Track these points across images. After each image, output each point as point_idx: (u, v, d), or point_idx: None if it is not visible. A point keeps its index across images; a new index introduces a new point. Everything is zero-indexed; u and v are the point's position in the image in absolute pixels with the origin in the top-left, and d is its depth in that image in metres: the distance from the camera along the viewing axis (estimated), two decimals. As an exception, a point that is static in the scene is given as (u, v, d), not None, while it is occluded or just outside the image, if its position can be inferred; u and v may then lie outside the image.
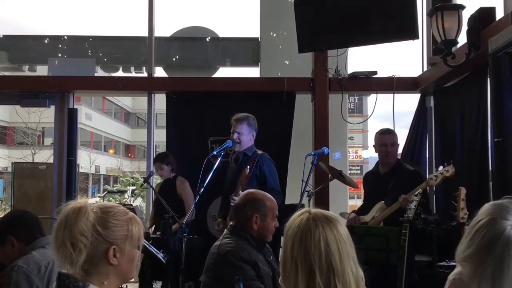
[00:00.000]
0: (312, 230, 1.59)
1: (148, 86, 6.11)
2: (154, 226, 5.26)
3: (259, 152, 4.50)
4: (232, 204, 4.09)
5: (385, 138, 4.37)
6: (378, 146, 4.41)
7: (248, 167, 4.12)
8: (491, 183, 4.18)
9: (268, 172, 4.38)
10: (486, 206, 1.82)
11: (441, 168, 3.95)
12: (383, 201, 4.10)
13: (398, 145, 4.47)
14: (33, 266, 2.57)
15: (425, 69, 5.65)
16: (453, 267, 2.28)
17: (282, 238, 4.38)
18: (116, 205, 1.88)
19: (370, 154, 28.76)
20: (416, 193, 3.43)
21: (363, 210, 4.41)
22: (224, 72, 7.39)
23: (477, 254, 1.74)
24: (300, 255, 1.56)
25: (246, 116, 4.53)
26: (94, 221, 1.77)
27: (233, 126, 4.53)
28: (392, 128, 4.53)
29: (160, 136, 6.50)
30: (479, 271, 1.74)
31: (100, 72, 7.53)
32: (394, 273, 3.31)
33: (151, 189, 5.37)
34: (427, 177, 4.13)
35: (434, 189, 5.60)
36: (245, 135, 4.47)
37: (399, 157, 4.89)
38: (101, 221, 1.78)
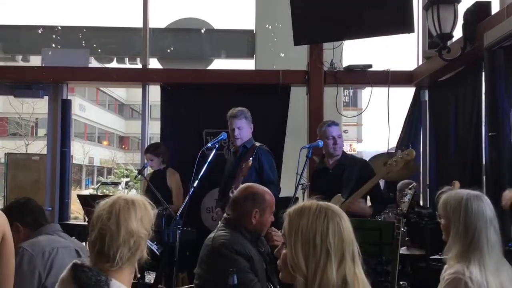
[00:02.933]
0: (342, 222, 1.65)
1: (143, 77, 6.08)
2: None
3: (257, 144, 4.50)
4: (231, 195, 4.09)
5: (332, 130, 4.29)
6: (325, 139, 4.29)
7: (251, 158, 4.12)
8: (484, 177, 4.20)
9: (266, 164, 4.38)
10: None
11: (400, 152, 3.96)
12: (339, 194, 4.07)
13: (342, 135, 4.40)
14: (37, 251, 2.58)
15: (420, 62, 5.66)
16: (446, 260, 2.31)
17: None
18: None
19: (364, 148, 28.87)
20: (410, 186, 3.43)
21: None
22: (219, 64, 7.38)
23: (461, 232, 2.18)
24: (334, 244, 1.61)
25: (241, 110, 4.53)
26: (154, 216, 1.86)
27: (230, 122, 4.53)
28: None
29: (154, 128, 6.48)
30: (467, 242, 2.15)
31: (94, 63, 7.49)
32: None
33: (145, 180, 5.35)
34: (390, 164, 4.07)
35: (428, 183, 5.63)
36: (245, 129, 4.49)
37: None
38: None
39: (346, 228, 1.64)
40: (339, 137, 4.29)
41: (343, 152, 4.42)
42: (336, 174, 4.26)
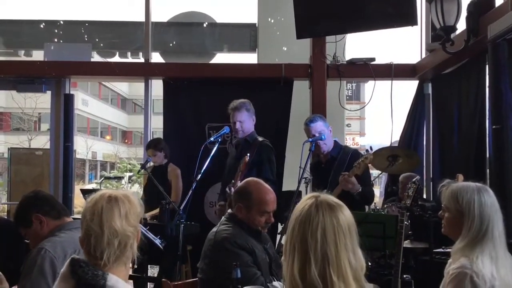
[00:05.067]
0: (311, 217, 1.59)
1: (145, 71, 6.07)
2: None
3: (260, 139, 4.44)
4: (227, 191, 4.09)
5: (311, 129, 4.21)
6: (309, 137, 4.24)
7: (249, 154, 4.05)
8: (488, 170, 4.19)
9: (266, 161, 4.32)
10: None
11: (362, 155, 4.00)
12: (325, 190, 4.02)
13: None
14: (59, 252, 2.50)
15: (423, 55, 5.63)
16: (450, 253, 2.30)
17: (279, 224, 4.39)
18: None
19: (367, 142, 28.85)
20: (413, 179, 3.43)
21: None
22: (221, 58, 7.37)
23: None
24: (297, 240, 1.57)
25: (242, 102, 4.48)
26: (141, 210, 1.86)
27: (232, 115, 4.47)
28: (318, 116, 4.37)
29: (157, 122, 6.48)
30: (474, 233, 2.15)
31: (96, 58, 7.49)
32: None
33: (146, 175, 5.36)
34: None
35: (431, 176, 5.62)
36: (246, 122, 4.43)
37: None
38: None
39: (316, 228, 1.57)
40: (320, 134, 4.20)
41: (336, 144, 4.35)
42: (328, 168, 4.25)
